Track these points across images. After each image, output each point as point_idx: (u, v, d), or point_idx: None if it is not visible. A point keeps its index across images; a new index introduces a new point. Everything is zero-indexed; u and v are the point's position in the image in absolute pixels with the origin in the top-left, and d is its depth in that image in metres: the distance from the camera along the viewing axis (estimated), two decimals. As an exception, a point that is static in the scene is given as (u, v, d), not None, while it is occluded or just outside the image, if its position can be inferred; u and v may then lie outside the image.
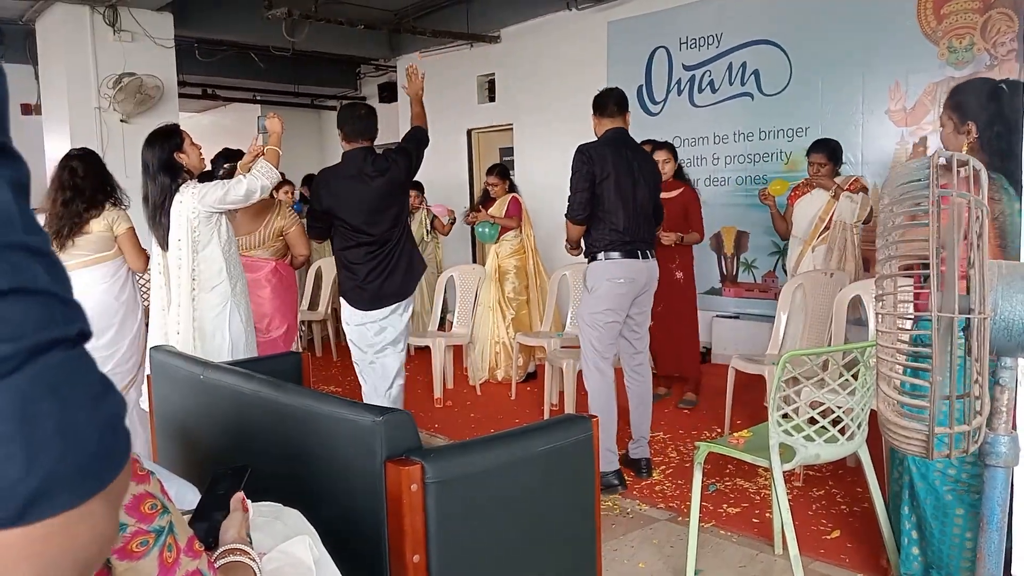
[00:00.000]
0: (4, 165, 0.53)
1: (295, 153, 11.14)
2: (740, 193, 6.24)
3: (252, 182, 3.39)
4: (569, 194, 3.78)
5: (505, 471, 1.96)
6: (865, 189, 4.47)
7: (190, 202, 3.33)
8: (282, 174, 4.64)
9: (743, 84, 6.22)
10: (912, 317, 1.42)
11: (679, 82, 6.66)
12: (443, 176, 8.19)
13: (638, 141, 6.03)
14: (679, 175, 5.03)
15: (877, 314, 1.32)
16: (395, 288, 3.80)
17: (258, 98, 11.11)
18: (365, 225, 3.71)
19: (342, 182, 3.74)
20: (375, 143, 3.93)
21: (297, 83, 10.32)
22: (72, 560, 0.52)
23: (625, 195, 3.68)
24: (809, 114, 5.81)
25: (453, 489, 1.81)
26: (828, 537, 3.11)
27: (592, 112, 3.86)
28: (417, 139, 4.08)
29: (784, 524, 2.53)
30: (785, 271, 5.77)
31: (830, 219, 4.46)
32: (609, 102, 3.83)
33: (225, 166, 4.23)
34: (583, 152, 3.72)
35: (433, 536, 1.77)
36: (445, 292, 5.91)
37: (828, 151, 4.51)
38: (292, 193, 7.45)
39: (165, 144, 3.36)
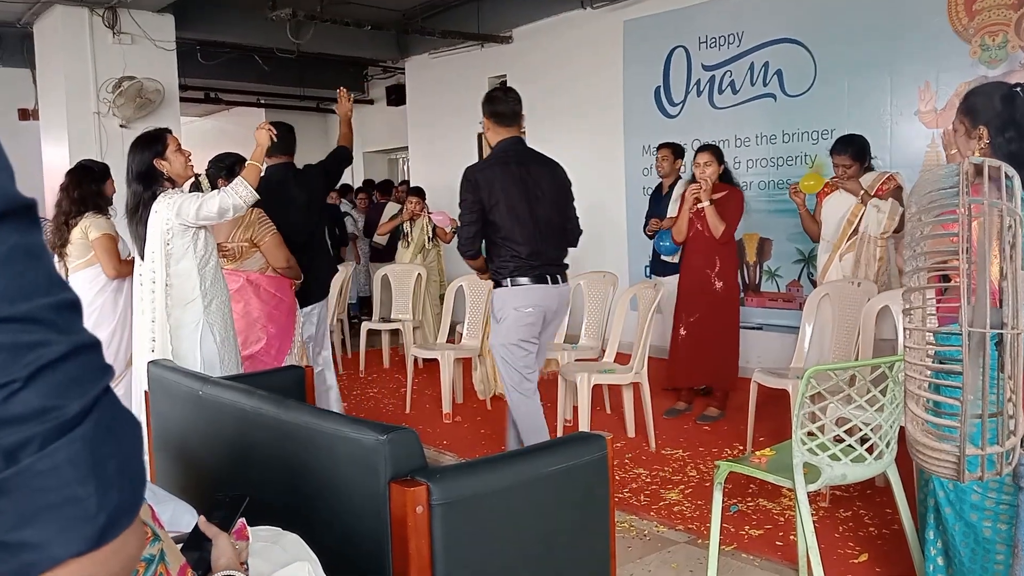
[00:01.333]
0: (37, 226, 0.62)
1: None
2: (763, 198, 6.21)
3: (224, 200, 3.31)
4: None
5: (515, 492, 1.95)
6: (899, 189, 4.38)
7: (164, 213, 3.29)
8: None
9: (765, 84, 6.21)
10: (941, 332, 1.40)
11: (698, 83, 6.65)
12: (453, 180, 8.19)
13: (656, 144, 6.05)
14: (726, 177, 4.97)
15: (905, 329, 1.31)
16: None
17: (262, 101, 11.20)
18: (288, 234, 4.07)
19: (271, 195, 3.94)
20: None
21: (302, 86, 10.39)
22: (126, 565, 0.66)
23: (522, 217, 3.54)
24: (835, 116, 5.78)
25: (460, 511, 1.80)
26: (855, 561, 3.07)
27: (485, 117, 3.71)
28: (340, 158, 4.50)
29: (809, 547, 2.50)
30: (811, 280, 5.75)
31: (859, 223, 4.38)
32: (506, 108, 3.66)
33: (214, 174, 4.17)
34: (468, 178, 3.62)
35: (439, 560, 1.76)
36: (454, 302, 5.91)
37: (853, 151, 4.40)
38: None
39: (146, 150, 3.34)
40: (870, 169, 4.50)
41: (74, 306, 0.62)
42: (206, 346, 3.38)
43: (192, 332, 3.35)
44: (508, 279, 3.60)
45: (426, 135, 9.06)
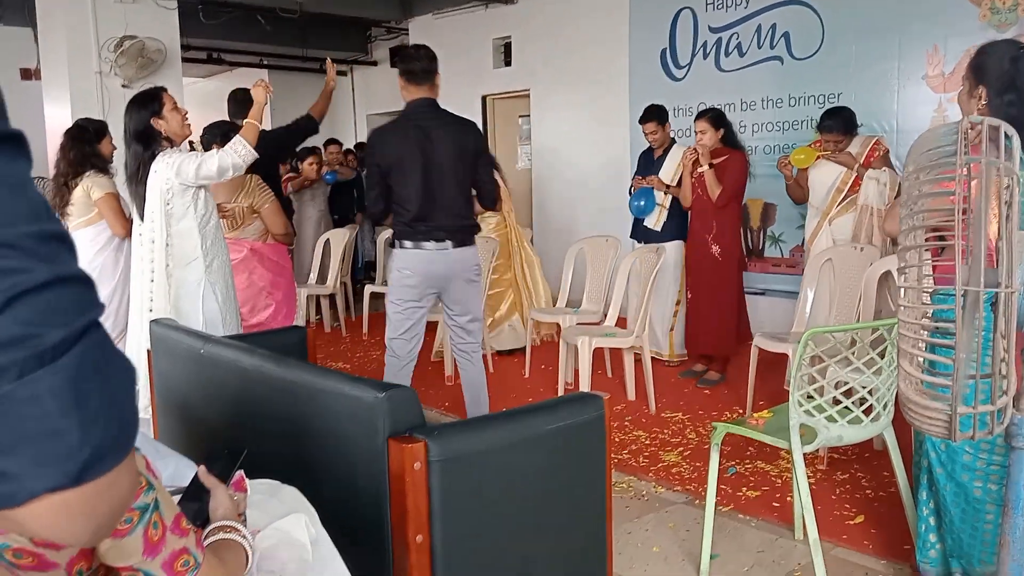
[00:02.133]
0: (24, 156, 0.61)
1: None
2: (768, 163, 6.16)
3: (224, 158, 3.30)
4: None
5: (513, 450, 1.97)
6: (887, 154, 4.38)
7: (164, 172, 3.30)
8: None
9: (772, 47, 6.14)
10: (935, 291, 1.41)
11: (704, 45, 6.58)
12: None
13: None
14: (730, 141, 4.90)
15: (900, 287, 1.31)
16: None
17: (265, 62, 11.09)
18: None
19: None
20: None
21: (305, 47, 10.28)
22: (114, 508, 0.66)
23: (412, 181, 3.50)
24: (842, 79, 5.72)
25: (458, 468, 1.82)
26: (851, 522, 3.11)
27: (399, 75, 3.62)
28: (304, 131, 4.66)
29: (804, 508, 2.53)
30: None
31: (849, 189, 4.39)
32: (417, 66, 3.56)
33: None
34: (368, 141, 3.67)
35: (437, 516, 1.79)
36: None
37: (842, 125, 4.41)
38: (317, 164, 7.42)
39: (142, 110, 3.33)
40: (855, 134, 4.49)
41: (60, 238, 0.61)
42: (208, 305, 3.40)
43: (194, 291, 3.37)
44: (396, 241, 3.63)
45: (430, 97, 9.01)
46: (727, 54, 6.45)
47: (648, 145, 5.47)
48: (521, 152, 8.75)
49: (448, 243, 3.55)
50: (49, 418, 0.58)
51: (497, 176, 5.41)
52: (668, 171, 5.30)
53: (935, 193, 1.30)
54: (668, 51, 6.84)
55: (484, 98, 8.66)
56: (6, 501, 0.59)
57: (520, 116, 8.64)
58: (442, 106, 3.63)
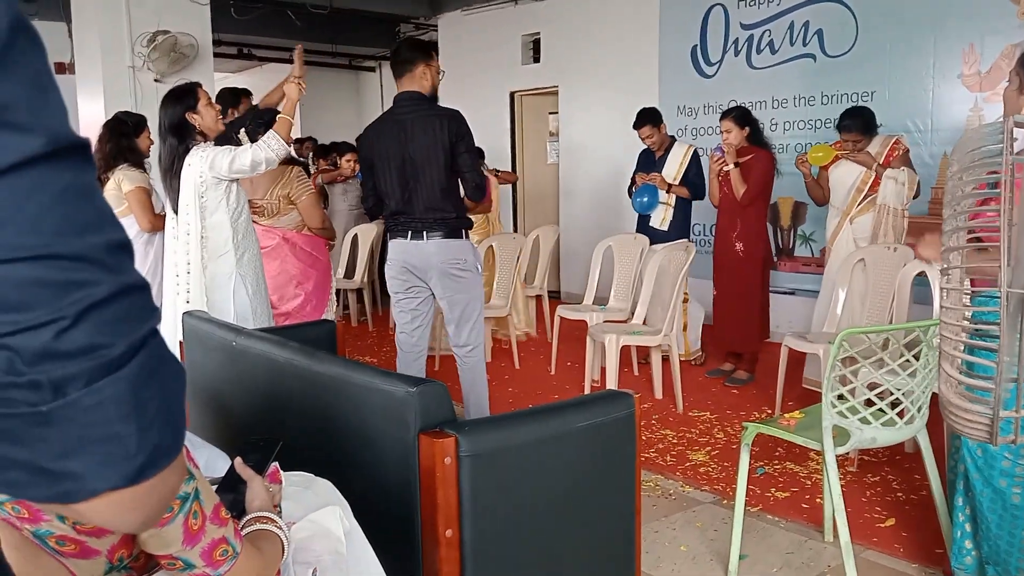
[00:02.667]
0: (91, 166, 0.63)
1: (332, 116, 11.23)
2: (798, 162, 6.11)
3: (257, 153, 3.34)
4: None
5: (542, 447, 1.97)
6: (907, 154, 4.34)
7: (199, 166, 3.34)
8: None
9: (805, 45, 6.08)
10: (976, 293, 1.38)
11: (736, 42, 6.53)
12: (483, 142, 8.15)
13: (692, 106, 5.96)
14: (756, 140, 4.88)
15: (942, 289, 1.29)
16: None
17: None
18: None
19: None
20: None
21: (335, 43, 10.33)
22: (163, 500, 0.70)
23: (391, 174, 3.56)
24: (876, 78, 5.65)
25: (488, 463, 1.83)
26: (882, 525, 3.08)
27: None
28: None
29: (835, 510, 2.51)
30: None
31: (869, 189, 4.36)
32: (395, 59, 3.63)
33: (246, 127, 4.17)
34: (360, 136, 3.72)
35: (467, 511, 1.79)
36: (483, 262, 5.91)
37: (861, 125, 4.38)
38: (355, 162, 7.48)
39: (177, 104, 3.38)
40: (875, 133, 4.45)
41: (124, 247, 0.63)
42: (239, 298, 3.44)
43: (225, 284, 3.41)
44: (388, 233, 3.73)
45: (458, 93, 8.98)
46: (759, 51, 6.39)
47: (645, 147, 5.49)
48: (550, 148, 8.73)
49: (424, 235, 3.56)
50: (111, 423, 0.62)
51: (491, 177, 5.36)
52: (671, 170, 5.30)
53: (978, 194, 1.28)
54: (699, 48, 6.79)
55: (512, 94, 8.65)
56: (69, 498, 0.63)
57: (550, 113, 8.62)
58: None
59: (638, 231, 5.50)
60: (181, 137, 3.38)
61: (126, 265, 0.63)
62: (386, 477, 1.91)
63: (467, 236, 3.69)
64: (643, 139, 5.38)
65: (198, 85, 3.50)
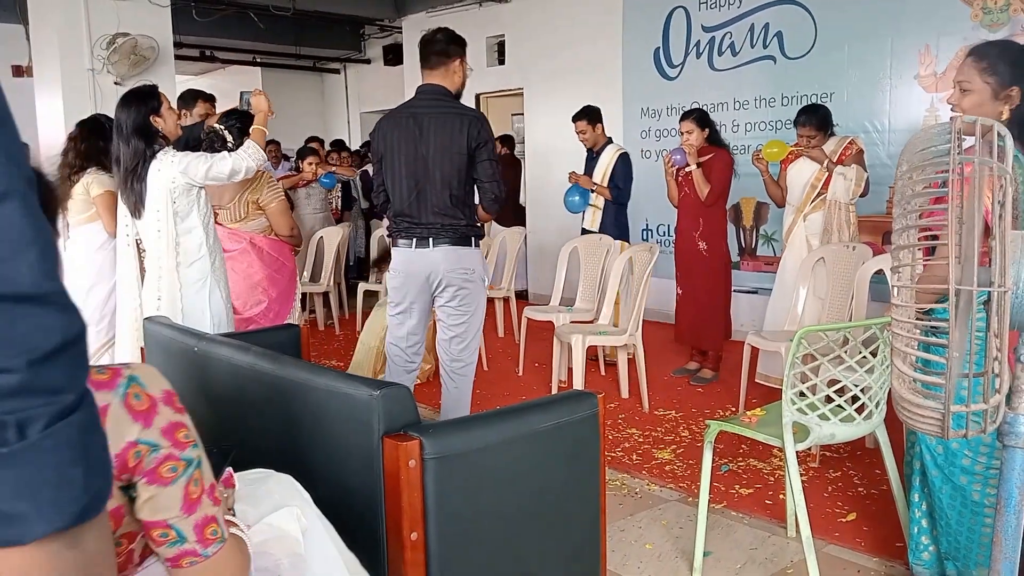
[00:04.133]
0: (34, 206, 0.64)
1: (296, 118, 11.15)
2: (760, 162, 6.18)
3: (238, 162, 3.36)
4: None
5: (507, 448, 1.97)
6: (861, 154, 4.42)
7: (169, 171, 3.31)
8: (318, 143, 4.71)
9: (765, 47, 6.15)
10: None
11: (698, 44, 6.59)
12: (450, 143, 8.15)
13: (657, 108, 5.99)
14: (715, 140, 4.96)
15: (893, 286, 1.32)
16: None
17: (258, 60, 11.08)
18: None
19: None
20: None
21: (299, 45, 10.27)
22: (105, 547, 0.72)
23: (398, 174, 3.32)
24: (835, 79, 5.74)
25: (452, 466, 1.82)
26: (844, 520, 3.12)
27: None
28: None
29: (796, 505, 2.54)
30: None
31: (823, 186, 4.43)
32: (430, 48, 3.36)
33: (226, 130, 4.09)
34: (373, 128, 3.46)
35: (431, 513, 1.79)
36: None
37: (817, 121, 4.45)
38: (317, 164, 7.45)
39: (142, 106, 3.32)
40: (832, 135, 4.52)
41: (65, 296, 0.66)
42: (214, 301, 3.44)
43: (200, 289, 3.40)
44: (391, 237, 3.47)
45: (423, 96, 9.01)
46: (720, 53, 6.46)
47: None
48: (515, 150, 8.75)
49: (430, 242, 3.31)
50: (63, 467, 0.64)
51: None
52: (598, 172, 5.38)
53: (929, 192, 1.30)
54: (661, 50, 6.84)
55: (478, 96, 8.65)
56: (17, 539, 0.64)
57: (512, 114, 8.63)
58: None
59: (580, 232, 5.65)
60: (148, 140, 3.32)
61: (69, 315, 0.65)
62: (350, 481, 1.90)
63: (477, 245, 3.42)
64: (578, 134, 5.49)
65: (157, 88, 3.46)
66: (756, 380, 4.50)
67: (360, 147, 10.21)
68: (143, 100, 3.35)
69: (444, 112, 3.32)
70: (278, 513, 1.43)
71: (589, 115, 5.44)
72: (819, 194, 4.45)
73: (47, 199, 1.14)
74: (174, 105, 3.56)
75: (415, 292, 3.40)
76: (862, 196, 4.39)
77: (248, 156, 3.39)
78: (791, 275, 4.46)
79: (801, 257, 4.45)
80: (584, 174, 5.49)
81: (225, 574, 1.13)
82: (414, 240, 3.33)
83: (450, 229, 3.32)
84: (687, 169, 4.89)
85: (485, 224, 3.98)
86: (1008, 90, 2.26)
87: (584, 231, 5.53)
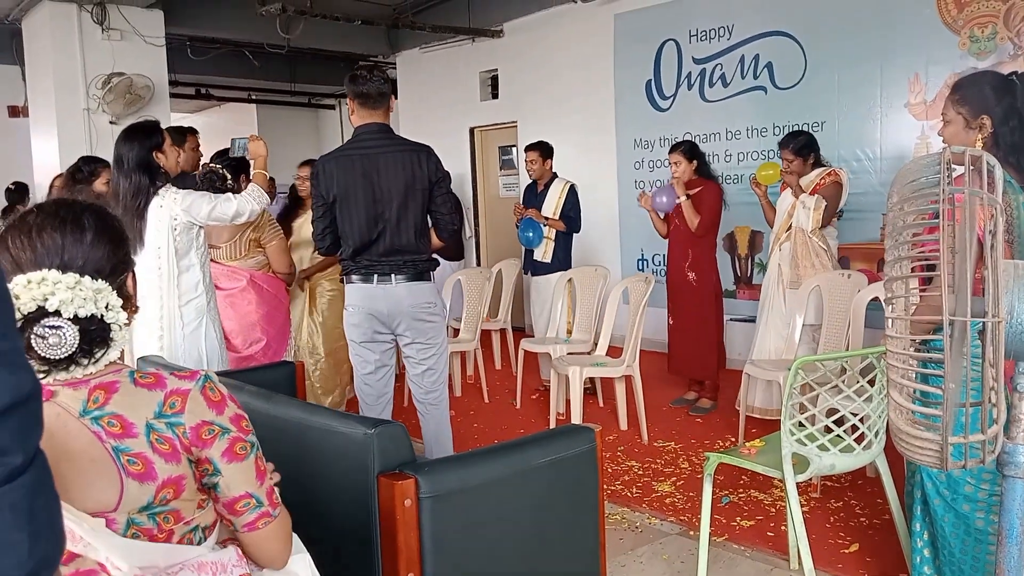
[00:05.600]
0: None
1: (292, 153, 11.19)
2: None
3: (243, 204, 3.40)
4: None
5: (504, 484, 1.95)
6: (837, 185, 4.42)
7: (171, 208, 3.31)
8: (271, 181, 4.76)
9: (756, 78, 6.21)
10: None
11: (689, 76, 6.65)
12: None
13: (650, 139, 6.03)
14: (703, 172, 5.00)
15: (887, 318, 1.31)
16: None
17: (253, 97, 11.15)
18: None
19: None
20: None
21: (293, 81, 10.35)
22: None
23: (355, 212, 3.29)
24: (825, 108, 5.78)
25: (449, 504, 1.81)
26: (846, 551, 3.09)
27: (348, 99, 3.39)
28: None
29: (798, 537, 2.52)
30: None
31: (791, 219, 4.47)
32: (370, 88, 3.30)
33: (221, 171, 4.07)
34: (312, 171, 3.43)
35: (428, 553, 1.77)
36: (451, 297, 5.90)
37: (794, 146, 4.49)
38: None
39: (145, 141, 3.30)
40: (819, 165, 4.55)
41: (18, 353, 0.64)
42: (209, 342, 3.44)
43: (196, 328, 3.40)
44: (344, 276, 3.44)
45: (417, 130, 9.03)
46: (711, 85, 6.51)
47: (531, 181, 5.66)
48: (502, 182, 8.77)
49: (393, 277, 3.32)
50: (6, 531, 0.62)
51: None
52: (550, 204, 5.45)
53: (921, 223, 1.30)
54: (653, 82, 6.90)
55: (472, 130, 8.71)
56: None
57: (500, 146, 8.67)
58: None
59: (524, 263, 5.79)
60: (151, 176, 3.29)
61: (18, 375, 0.63)
62: (346, 521, 1.88)
63: (433, 278, 3.46)
64: (527, 163, 5.58)
65: (159, 124, 3.48)
66: (736, 406, 4.47)
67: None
68: (147, 135, 3.32)
69: (398, 149, 3.34)
70: (293, 558, 1.47)
71: (542, 148, 5.54)
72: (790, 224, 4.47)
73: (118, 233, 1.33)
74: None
75: (378, 326, 3.39)
76: (824, 227, 4.38)
77: (253, 199, 3.44)
78: (766, 302, 4.55)
79: (772, 283, 4.52)
80: (528, 207, 5.58)
81: (283, 533, 1.41)
82: (375, 276, 3.33)
83: (411, 264, 3.34)
84: (677, 201, 4.91)
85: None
86: (979, 119, 2.31)
87: (536, 264, 5.57)
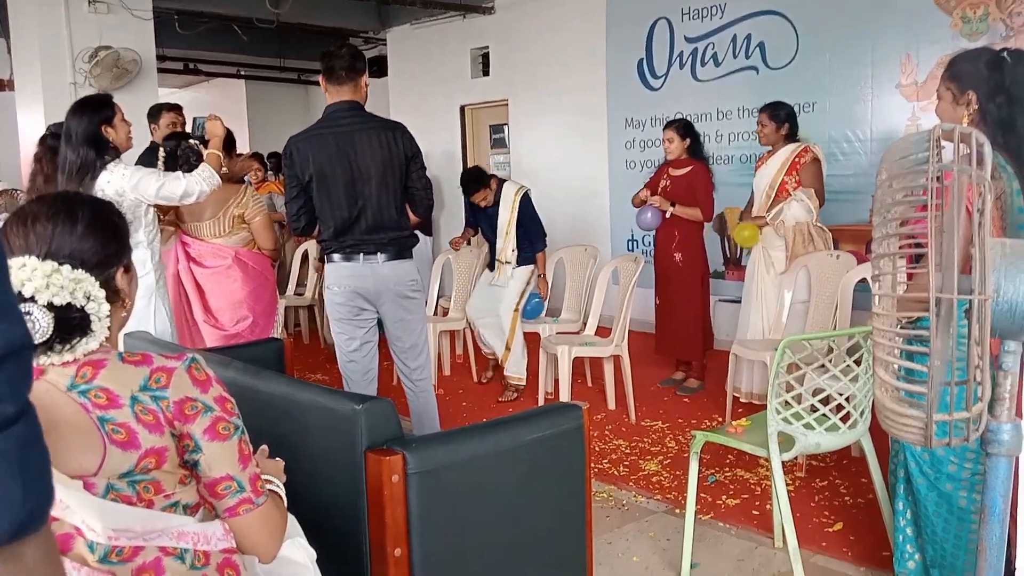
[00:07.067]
0: None
1: (284, 129, 11.13)
2: (745, 172, 6.19)
3: (191, 184, 3.33)
4: None
5: (492, 461, 1.96)
6: (815, 162, 4.42)
7: (118, 183, 3.27)
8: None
9: (748, 57, 6.19)
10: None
11: (681, 55, 6.62)
12: (433, 155, 8.14)
13: (641, 119, 5.96)
14: (695, 152, 4.97)
15: (874, 295, 1.32)
16: None
17: (242, 73, 11.06)
18: None
19: None
20: None
21: (283, 57, 10.26)
22: (49, 562, 0.70)
23: (333, 191, 3.30)
24: (816, 88, 5.77)
25: (436, 480, 1.81)
26: (830, 530, 3.12)
27: (320, 77, 3.39)
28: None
29: (783, 517, 2.54)
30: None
31: (777, 192, 4.44)
32: (340, 64, 3.30)
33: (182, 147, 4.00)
34: (285, 150, 3.41)
35: (415, 529, 1.77)
36: (442, 275, 5.88)
37: (770, 112, 4.52)
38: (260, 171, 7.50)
39: (94, 115, 3.27)
40: (792, 139, 4.52)
41: (12, 307, 0.65)
42: (159, 320, 3.44)
43: (145, 308, 3.38)
44: (327, 255, 3.45)
45: (408, 107, 8.99)
46: (703, 64, 6.49)
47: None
48: (492, 161, 8.73)
49: (378, 255, 3.35)
50: (0, 480, 0.63)
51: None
52: (503, 219, 5.06)
53: (910, 200, 1.30)
54: (645, 61, 6.87)
55: (462, 108, 8.66)
56: None
57: (491, 125, 8.63)
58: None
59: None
60: (98, 150, 3.26)
61: (14, 326, 0.64)
62: (334, 497, 1.89)
63: (412, 255, 3.51)
64: (479, 203, 5.14)
65: (111, 97, 3.44)
66: (735, 395, 4.47)
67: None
68: (96, 108, 3.29)
69: (373, 127, 3.35)
70: (287, 543, 1.48)
71: (478, 179, 5.13)
72: (773, 202, 4.45)
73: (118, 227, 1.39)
74: (128, 117, 3.50)
75: (363, 303, 3.42)
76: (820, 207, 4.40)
77: (202, 180, 3.36)
78: (751, 283, 4.57)
79: (756, 267, 4.53)
80: (467, 229, 5.48)
81: (271, 522, 1.39)
82: (360, 255, 3.35)
83: (395, 242, 3.38)
84: (669, 210, 4.82)
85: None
86: (965, 95, 2.30)
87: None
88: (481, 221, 5.31)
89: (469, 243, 5.95)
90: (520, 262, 5.10)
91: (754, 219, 4.52)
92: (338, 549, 1.82)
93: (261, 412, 2.08)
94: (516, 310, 5.04)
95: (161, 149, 3.89)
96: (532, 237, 5.09)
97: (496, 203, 5.11)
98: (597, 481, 3.61)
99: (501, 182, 5.21)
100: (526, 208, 5.09)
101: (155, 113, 4.62)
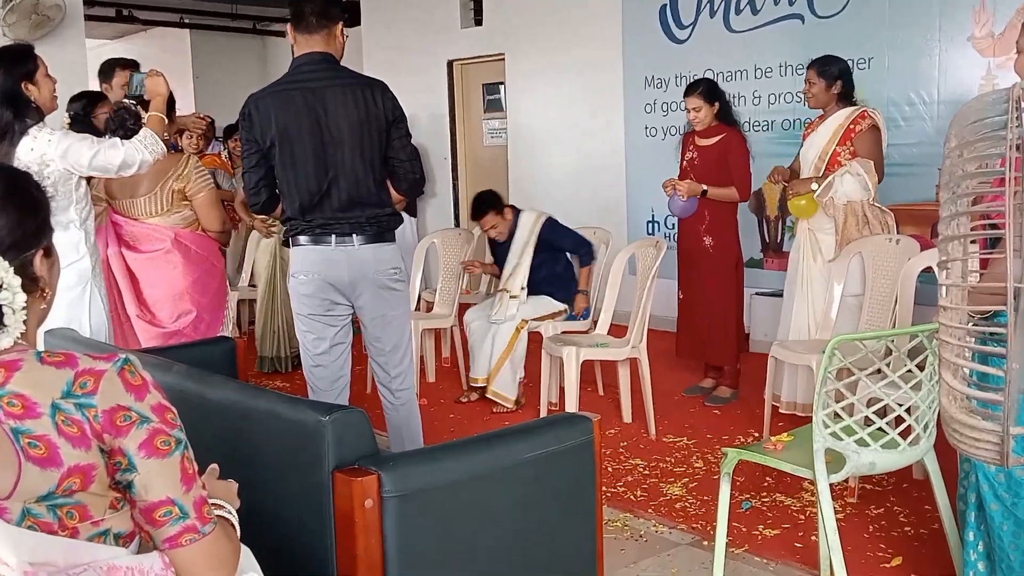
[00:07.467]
0: None
1: (236, 88, 11.11)
2: (787, 140, 6.20)
3: (131, 153, 3.32)
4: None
5: (484, 483, 1.97)
6: (874, 129, 4.41)
7: (43, 151, 3.26)
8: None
9: (791, 4, 6.19)
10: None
11: (712, 1, 6.62)
12: (416, 118, 8.14)
13: (664, 77, 5.89)
14: (725, 117, 4.96)
15: (940, 285, 1.32)
16: None
17: (186, 21, 11.03)
18: None
19: None
20: None
21: (235, 3, 10.24)
22: None
23: (300, 160, 3.22)
24: (873, 42, 5.77)
25: (418, 505, 1.82)
26: (887, 565, 3.13)
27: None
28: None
29: (831, 548, 2.54)
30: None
31: (828, 165, 4.44)
32: (306, 9, 3.22)
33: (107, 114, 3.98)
34: (243, 110, 3.32)
35: (392, 562, 1.78)
36: (424, 263, 5.88)
37: (818, 67, 4.51)
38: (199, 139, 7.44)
39: (12, 69, 3.26)
40: (846, 101, 4.51)
41: None
42: (95, 311, 3.43)
43: (79, 297, 3.38)
44: (290, 238, 3.38)
45: (386, 62, 8.98)
46: (738, 12, 6.49)
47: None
48: (486, 127, 8.73)
49: (354, 238, 3.27)
50: None
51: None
52: (518, 246, 5.20)
53: (984, 173, 1.30)
54: (668, 7, 6.87)
55: (451, 63, 8.65)
56: None
57: (485, 84, 8.62)
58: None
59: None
60: (18, 110, 3.25)
61: None
62: (295, 525, 1.89)
63: (395, 238, 3.44)
64: (487, 231, 5.36)
65: (32, 49, 3.42)
66: (766, 399, 4.48)
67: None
68: (14, 62, 3.28)
69: (348, 83, 3.27)
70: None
71: (492, 202, 5.32)
72: (825, 173, 4.44)
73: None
74: (52, 72, 3.48)
75: (336, 296, 3.36)
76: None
77: (144, 148, 3.34)
78: (795, 273, 4.59)
79: (801, 254, 4.54)
80: (491, 263, 5.59)
81: (219, 554, 1.37)
82: (332, 237, 3.28)
83: (374, 222, 3.31)
84: (702, 189, 4.83)
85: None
86: None
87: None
88: (497, 255, 5.44)
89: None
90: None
91: (801, 182, 4.49)
92: (301, 586, 1.83)
93: (209, 424, 2.08)
94: (518, 329, 5.08)
95: (66, 114, 3.87)
96: (577, 251, 5.25)
97: (510, 238, 5.25)
98: (609, 507, 3.62)
99: (518, 212, 5.33)
100: (553, 228, 5.24)
101: (107, 70, 4.58)
